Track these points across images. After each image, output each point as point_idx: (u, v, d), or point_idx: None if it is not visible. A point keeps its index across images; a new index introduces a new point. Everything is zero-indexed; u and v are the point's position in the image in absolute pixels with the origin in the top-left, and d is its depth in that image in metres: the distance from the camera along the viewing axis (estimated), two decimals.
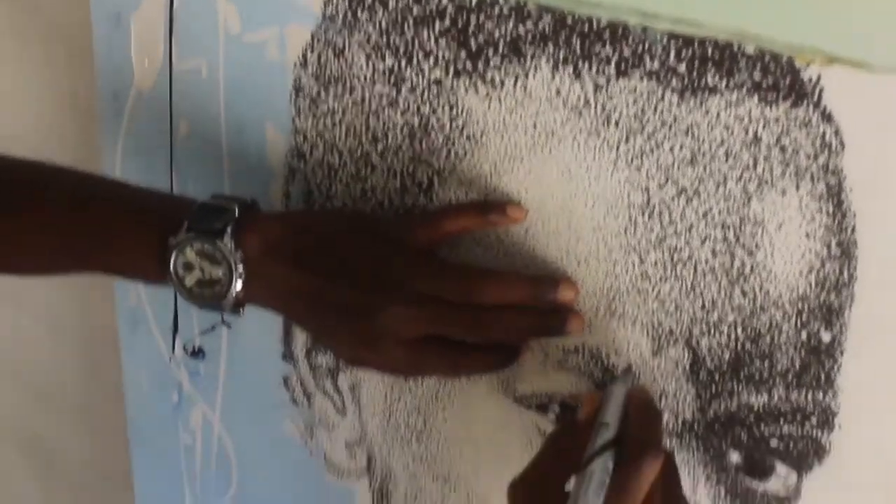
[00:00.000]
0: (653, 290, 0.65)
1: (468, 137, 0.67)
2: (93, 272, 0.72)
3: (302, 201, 0.75)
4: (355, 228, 0.67)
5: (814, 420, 0.63)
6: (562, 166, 0.65)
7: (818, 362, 0.61)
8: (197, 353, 0.86)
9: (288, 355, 0.81)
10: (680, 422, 0.67)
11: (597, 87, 0.62)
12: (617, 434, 0.58)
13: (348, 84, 0.70)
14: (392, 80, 0.69)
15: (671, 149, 0.61)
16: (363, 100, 0.70)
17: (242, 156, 0.77)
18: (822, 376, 0.62)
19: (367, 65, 0.69)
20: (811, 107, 0.57)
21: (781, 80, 0.57)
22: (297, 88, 0.73)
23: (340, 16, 0.69)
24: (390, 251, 0.65)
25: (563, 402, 0.70)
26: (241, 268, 0.66)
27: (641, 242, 0.64)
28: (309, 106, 0.73)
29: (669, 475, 0.58)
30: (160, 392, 0.90)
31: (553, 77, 0.63)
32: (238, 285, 0.66)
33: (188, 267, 0.67)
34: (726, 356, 0.64)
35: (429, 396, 0.76)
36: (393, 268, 0.64)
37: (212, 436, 0.88)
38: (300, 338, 0.80)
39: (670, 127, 0.61)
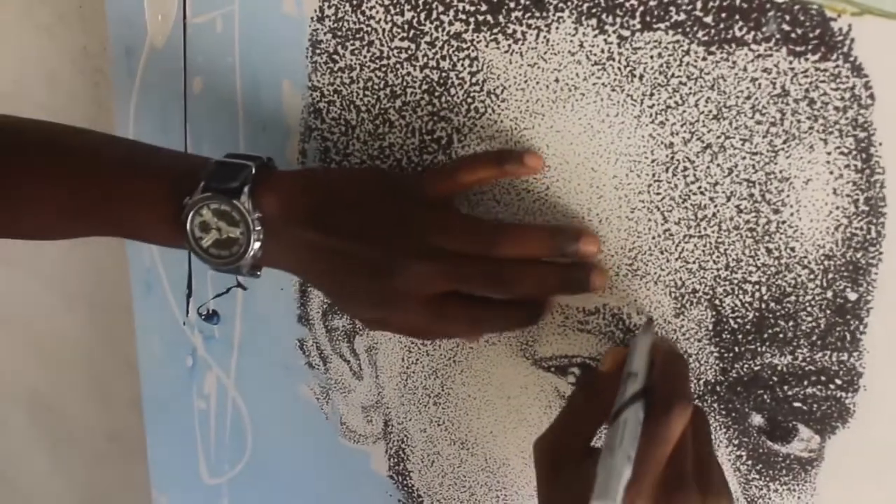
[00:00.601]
0: (676, 248, 0.63)
1: (488, 93, 0.66)
2: (106, 234, 0.71)
3: (318, 159, 0.74)
4: (372, 185, 0.66)
5: (838, 381, 0.62)
6: (584, 122, 0.63)
7: (844, 322, 0.60)
8: (211, 317, 0.85)
9: (304, 318, 0.80)
10: (702, 383, 0.66)
11: (621, 40, 0.61)
12: (645, 385, 0.57)
13: (366, 39, 0.69)
14: (411, 34, 0.67)
15: (696, 103, 0.60)
16: (381, 55, 0.69)
17: (258, 113, 0.75)
18: (848, 336, 0.60)
19: (386, 18, 0.68)
20: (841, 59, 0.56)
21: (811, 31, 0.56)
22: (314, 43, 0.71)
23: None
24: (408, 207, 0.64)
25: (584, 365, 0.69)
26: (258, 228, 0.64)
27: (665, 200, 0.63)
28: (326, 62, 0.71)
29: (700, 425, 0.58)
30: (174, 357, 0.89)
31: (576, 30, 0.62)
32: (256, 246, 0.65)
33: (205, 227, 0.66)
34: (750, 316, 0.63)
35: (446, 359, 0.75)
36: (411, 224, 0.63)
37: (226, 401, 0.88)
38: (316, 300, 0.79)
39: (696, 81, 0.60)
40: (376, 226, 0.63)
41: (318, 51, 0.72)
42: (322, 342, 0.80)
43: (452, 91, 0.67)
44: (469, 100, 0.67)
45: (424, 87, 0.68)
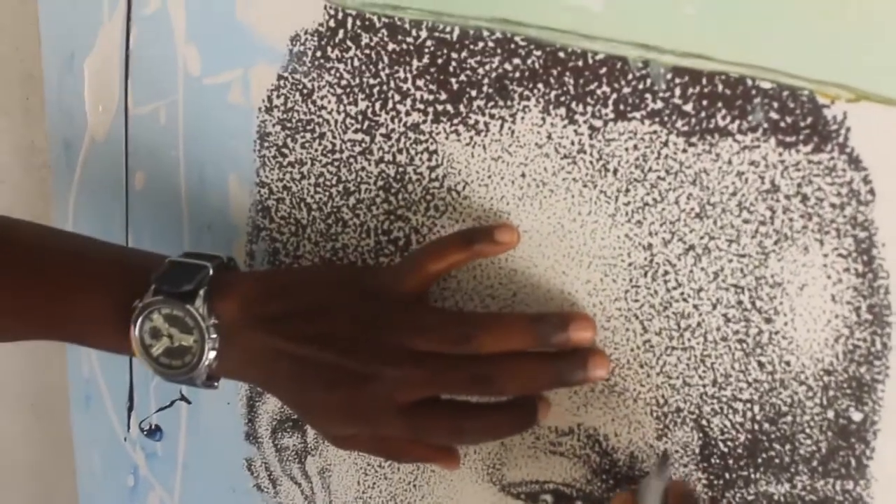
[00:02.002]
0: (657, 362, 0.57)
1: (449, 189, 0.60)
2: (52, 338, 0.64)
3: (267, 261, 0.68)
4: (339, 286, 0.59)
5: None
6: (553, 221, 0.57)
7: (848, 446, 0.53)
8: (154, 433, 0.78)
9: (252, 435, 0.73)
10: None
11: (593, 131, 0.55)
12: None
13: (317, 131, 0.63)
14: (365, 125, 0.62)
15: (677, 200, 0.54)
16: (334, 148, 0.63)
17: (203, 211, 0.69)
18: (853, 462, 0.53)
19: (338, 108, 0.62)
20: (836, 150, 0.50)
21: (802, 119, 0.50)
22: (262, 136, 0.66)
23: (309, 54, 0.62)
24: (378, 308, 0.57)
25: (557, 492, 0.62)
26: (214, 335, 0.58)
27: (644, 308, 0.56)
28: (275, 155, 0.66)
29: None
30: (114, 475, 0.81)
31: (543, 120, 0.56)
32: (211, 355, 0.59)
33: (156, 334, 0.59)
34: (741, 438, 0.56)
35: (406, 483, 0.67)
36: (382, 327, 0.57)
37: None
38: (265, 416, 0.72)
39: (676, 175, 0.54)
40: (344, 330, 0.57)
41: (266, 144, 0.66)
42: (271, 462, 0.72)
43: (410, 187, 0.61)
44: (428, 197, 0.61)
45: (380, 183, 0.62)
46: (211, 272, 0.59)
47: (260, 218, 0.67)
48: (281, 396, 0.61)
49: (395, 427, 0.57)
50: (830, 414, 0.53)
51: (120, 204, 0.73)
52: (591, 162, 0.56)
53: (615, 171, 0.55)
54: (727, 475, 0.56)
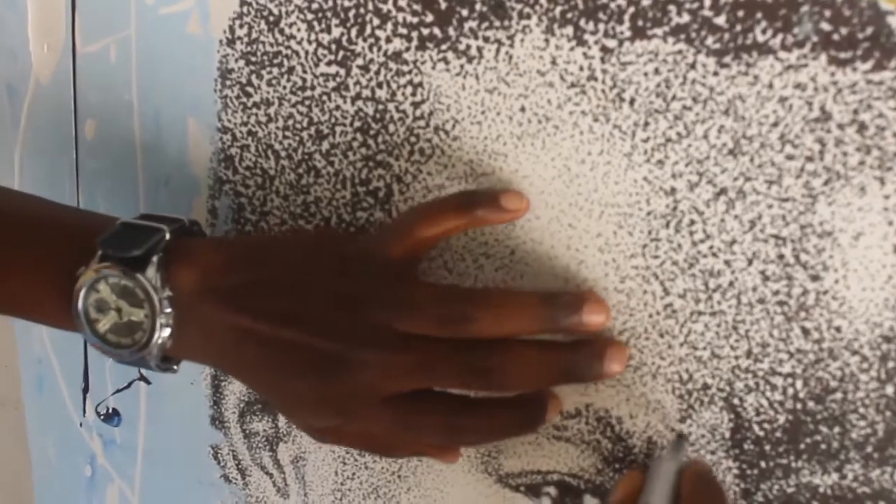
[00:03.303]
0: (681, 330, 0.48)
1: (436, 129, 0.51)
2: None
3: (231, 219, 0.59)
4: (314, 255, 0.51)
5: None
6: (559, 164, 0.48)
7: None
8: (111, 417, 0.70)
9: (218, 420, 0.64)
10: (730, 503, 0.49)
11: (605, 53, 0.46)
12: None
13: (286, 65, 0.55)
14: (339, 56, 0.53)
15: (706, 134, 0.45)
16: (304, 84, 0.54)
17: (159, 162, 0.61)
18: None
19: (309, 37, 0.54)
20: None
21: (860, 30, 0.41)
22: (224, 73, 0.57)
23: None
24: (362, 283, 0.49)
25: (562, 483, 0.53)
26: (168, 309, 0.50)
27: (665, 265, 0.47)
28: (238, 95, 0.57)
29: None
30: (71, 465, 0.73)
31: (547, 42, 0.47)
32: (164, 332, 0.51)
33: (102, 307, 0.51)
34: (781, 420, 0.47)
35: (389, 473, 0.59)
36: (367, 305, 0.48)
37: None
38: (232, 398, 0.63)
39: (705, 104, 0.45)
40: (323, 308, 0.49)
41: (228, 82, 0.57)
42: (240, 450, 0.64)
43: (391, 128, 0.52)
44: (412, 139, 0.52)
45: (357, 123, 0.53)
46: (167, 237, 0.51)
47: (222, 169, 0.59)
48: (248, 382, 0.53)
49: (380, 421, 0.49)
50: (889, 390, 0.44)
51: (69, 155, 0.64)
52: (603, 91, 0.47)
53: (632, 102, 0.46)
54: (763, 463, 0.48)
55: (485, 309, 0.47)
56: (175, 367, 0.53)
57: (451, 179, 0.51)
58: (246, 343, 0.50)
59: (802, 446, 0.47)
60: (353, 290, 0.49)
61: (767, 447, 0.47)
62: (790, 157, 0.44)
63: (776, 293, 0.45)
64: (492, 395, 0.49)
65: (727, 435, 0.48)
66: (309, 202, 0.56)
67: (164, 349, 0.51)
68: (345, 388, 0.48)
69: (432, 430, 0.49)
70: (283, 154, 0.56)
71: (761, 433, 0.47)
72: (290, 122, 0.56)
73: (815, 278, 0.45)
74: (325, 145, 0.55)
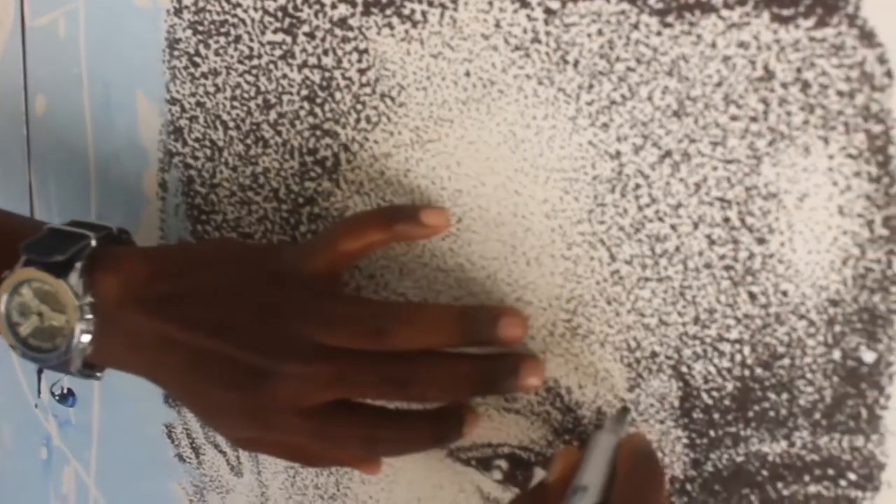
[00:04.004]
0: (628, 297, 0.47)
1: (382, 95, 0.51)
2: None
3: (181, 192, 0.58)
4: (239, 266, 0.52)
5: (851, 476, 0.45)
6: (504, 128, 0.48)
7: (857, 393, 0.44)
8: (66, 398, 0.69)
9: (171, 398, 0.63)
10: (667, 480, 0.49)
11: (549, 15, 0.46)
12: (600, 501, 0.43)
13: (232, 33, 0.54)
14: (286, 23, 0.52)
15: (650, 96, 0.44)
16: (251, 53, 0.54)
17: (109, 136, 0.60)
18: (864, 413, 0.44)
19: (255, 5, 0.53)
20: (844, 23, 0.40)
21: None
22: (172, 43, 0.56)
23: None
24: (284, 296, 0.50)
25: (513, 456, 0.52)
26: (89, 315, 0.51)
27: (612, 231, 0.47)
28: (186, 66, 0.56)
29: None
30: (26, 447, 0.72)
31: (491, 4, 0.47)
32: (84, 338, 0.51)
33: (24, 311, 0.52)
34: (729, 387, 0.46)
35: None
36: (287, 316, 0.49)
37: (87, 502, 0.70)
38: None
39: (648, 65, 0.44)
40: (247, 320, 0.50)
41: (176, 53, 0.56)
42: (193, 428, 0.63)
43: (338, 96, 0.52)
44: (359, 106, 0.51)
45: (304, 92, 0.53)
46: (93, 244, 0.52)
47: (172, 141, 0.58)
48: (171, 391, 0.54)
49: (300, 432, 0.50)
50: (836, 355, 0.44)
51: (19, 133, 0.64)
52: (547, 53, 0.46)
53: (576, 64, 0.46)
54: (712, 432, 0.47)
55: (402, 322, 0.48)
56: (98, 374, 0.54)
57: (397, 147, 0.51)
58: (170, 352, 0.50)
59: (751, 414, 0.46)
60: (276, 303, 0.49)
61: (716, 415, 0.47)
62: (734, 118, 0.43)
63: (722, 257, 0.45)
64: (411, 407, 0.50)
65: (676, 404, 0.48)
66: (258, 173, 0.55)
67: (85, 355, 0.52)
68: (265, 399, 0.49)
69: (350, 441, 0.50)
70: (231, 125, 0.56)
71: (710, 401, 0.47)
72: (238, 91, 0.55)
73: (760, 241, 0.44)
74: (273, 115, 0.54)
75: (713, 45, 0.43)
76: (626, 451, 0.45)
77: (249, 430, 0.51)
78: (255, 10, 0.53)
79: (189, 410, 0.55)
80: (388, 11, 0.49)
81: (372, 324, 0.48)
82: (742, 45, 0.42)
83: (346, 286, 0.54)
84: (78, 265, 0.51)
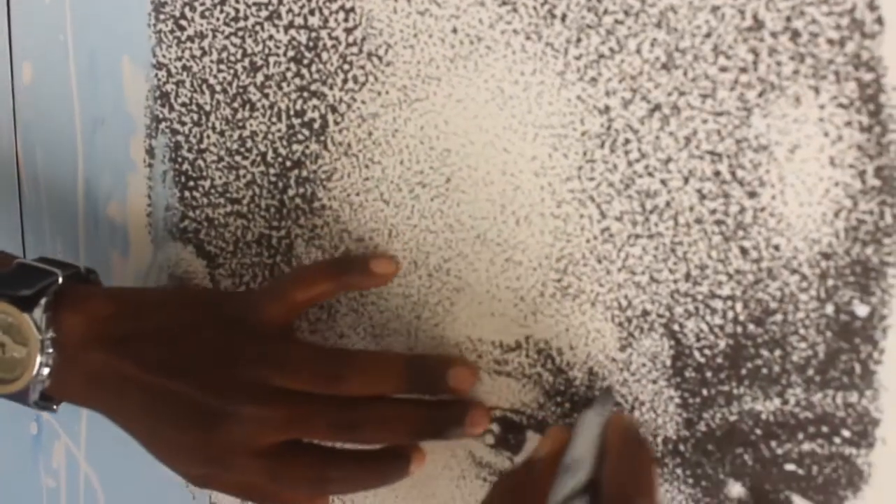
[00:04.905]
0: (618, 254, 0.47)
1: (369, 55, 0.50)
2: None
3: (168, 158, 0.58)
4: (198, 311, 0.55)
5: (845, 433, 0.44)
6: (492, 85, 0.47)
7: (851, 348, 0.43)
8: None
9: None
10: (660, 441, 0.48)
11: None
12: (590, 479, 0.42)
13: None
14: None
15: (639, 48, 0.44)
16: (237, 15, 0.53)
17: (95, 102, 0.60)
18: (857, 368, 0.43)
19: None
20: None
21: None
22: (157, 6, 0.56)
23: None
24: (239, 340, 0.52)
25: (505, 419, 0.52)
26: (50, 349, 0.53)
27: (601, 187, 0.46)
28: (172, 29, 0.56)
29: None
30: (17, 422, 0.72)
31: None
32: (44, 371, 0.53)
33: None
34: (721, 345, 0.46)
35: None
36: (242, 360, 0.51)
37: (78, 477, 0.70)
38: None
39: (636, 17, 0.43)
40: (202, 362, 0.52)
41: (161, 16, 0.56)
42: None
43: (325, 56, 0.51)
44: (346, 66, 0.51)
45: (290, 53, 0.52)
46: (60, 280, 0.54)
47: (158, 107, 0.57)
48: (128, 428, 0.55)
49: (252, 472, 0.52)
50: (829, 309, 0.43)
51: (6, 103, 0.63)
52: (534, 8, 0.45)
53: (563, 17, 0.45)
54: (705, 391, 0.46)
55: (353, 369, 0.50)
56: (55, 406, 0.55)
57: (385, 107, 0.50)
58: (128, 390, 0.52)
59: (744, 371, 0.45)
60: (233, 346, 0.52)
61: (709, 374, 0.46)
62: (724, 69, 0.42)
63: (713, 212, 0.44)
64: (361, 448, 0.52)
65: (668, 363, 0.47)
66: (245, 137, 0.55)
67: (44, 388, 0.53)
68: (220, 439, 0.51)
69: (300, 482, 0.52)
70: (218, 88, 0.55)
71: (702, 359, 0.46)
72: (225, 54, 0.54)
73: (751, 195, 0.43)
74: (260, 77, 0.53)
75: None
76: (614, 428, 0.45)
77: (204, 468, 0.53)
78: None
79: (145, 449, 0.55)
80: None
81: (326, 369, 0.50)
82: None
83: (335, 251, 0.54)
84: (43, 301, 0.52)
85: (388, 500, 0.57)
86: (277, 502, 0.55)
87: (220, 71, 0.55)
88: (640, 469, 0.44)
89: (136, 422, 0.54)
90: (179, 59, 0.56)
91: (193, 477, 0.54)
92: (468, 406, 0.51)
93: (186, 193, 0.58)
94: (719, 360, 0.46)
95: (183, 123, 0.57)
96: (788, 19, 0.41)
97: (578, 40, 0.45)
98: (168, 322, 0.53)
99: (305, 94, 0.52)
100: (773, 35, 0.41)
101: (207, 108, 0.56)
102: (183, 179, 0.58)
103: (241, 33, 0.53)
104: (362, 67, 0.50)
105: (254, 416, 0.50)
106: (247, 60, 0.54)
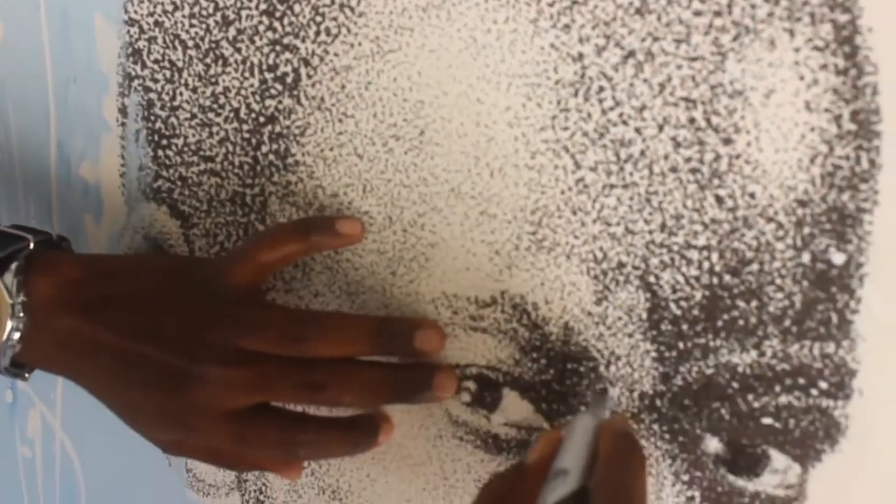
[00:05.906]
0: (593, 205, 0.46)
1: (341, 6, 0.49)
2: None
3: (142, 116, 0.57)
4: (166, 276, 0.55)
5: (822, 384, 0.43)
6: (464, 34, 0.46)
7: (828, 297, 0.42)
8: None
9: None
10: (636, 396, 0.48)
11: None
12: (581, 485, 0.42)
13: None
14: None
15: None
16: None
17: (67, 61, 0.59)
18: (834, 318, 0.43)
19: None
20: None
21: None
22: None
23: None
24: (206, 304, 0.53)
25: (481, 377, 0.51)
26: (21, 314, 0.53)
27: (575, 136, 0.45)
28: None
29: None
30: None
31: None
32: (15, 336, 0.53)
33: None
34: (697, 296, 0.45)
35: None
36: (209, 323, 0.52)
37: (54, 446, 0.70)
38: None
39: None
40: (169, 325, 0.52)
41: None
42: None
43: (297, 8, 0.50)
44: (318, 18, 0.50)
45: (262, 6, 0.51)
46: (31, 246, 0.55)
47: (130, 64, 0.57)
48: (97, 393, 0.56)
49: (220, 435, 0.52)
50: (805, 257, 0.43)
51: None
52: None
53: None
54: (681, 344, 0.46)
55: (320, 330, 0.50)
56: (26, 374, 0.56)
57: (357, 59, 0.49)
58: (98, 355, 0.53)
59: (720, 323, 0.45)
60: (200, 310, 0.52)
61: (685, 326, 0.46)
62: (698, 13, 0.42)
63: (688, 160, 0.44)
64: (329, 413, 0.52)
65: (644, 316, 0.46)
66: (218, 93, 0.54)
67: (14, 353, 0.54)
68: (187, 401, 0.51)
69: (267, 444, 0.52)
70: (190, 44, 0.54)
71: (678, 312, 0.46)
72: (196, 8, 0.53)
73: (727, 142, 0.43)
74: (232, 31, 0.53)
75: None
76: (607, 432, 0.44)
77: (172, 432, 0.53)
78: None
79: (116, 415, 0.55)
80: None
81: (292, 330, 0.50)
82: None
83: (310, 207, 0.53)
84: (13, 266, 0.53)
85: (366, 463, 0.56)
86: (246, 467, 0.55)
87: (192, 26, 0.54)
88: (632, 479, 0.42)
89: (106, 387, 0.54)
90: (151, 14, 0.55)
91: (163, 442, 0.54)
92: (435, 369, 0.50)
93: (160, 152, 0.57)
94: (695, 311, 0.45)
95: (156, 81, 0.56)
96: None
97: None
98: (138, 288, 0.54)
99: (278, 48, 0.52)
100: None
101: (180, 64, 0.55)
102: (156, 138, 0.57)
103: None
104: (335, 19, 0.49)
105: (220, 378, 0.50)
106: (219, 14, 0.53)
